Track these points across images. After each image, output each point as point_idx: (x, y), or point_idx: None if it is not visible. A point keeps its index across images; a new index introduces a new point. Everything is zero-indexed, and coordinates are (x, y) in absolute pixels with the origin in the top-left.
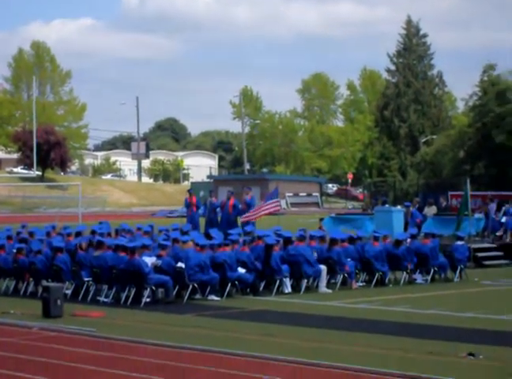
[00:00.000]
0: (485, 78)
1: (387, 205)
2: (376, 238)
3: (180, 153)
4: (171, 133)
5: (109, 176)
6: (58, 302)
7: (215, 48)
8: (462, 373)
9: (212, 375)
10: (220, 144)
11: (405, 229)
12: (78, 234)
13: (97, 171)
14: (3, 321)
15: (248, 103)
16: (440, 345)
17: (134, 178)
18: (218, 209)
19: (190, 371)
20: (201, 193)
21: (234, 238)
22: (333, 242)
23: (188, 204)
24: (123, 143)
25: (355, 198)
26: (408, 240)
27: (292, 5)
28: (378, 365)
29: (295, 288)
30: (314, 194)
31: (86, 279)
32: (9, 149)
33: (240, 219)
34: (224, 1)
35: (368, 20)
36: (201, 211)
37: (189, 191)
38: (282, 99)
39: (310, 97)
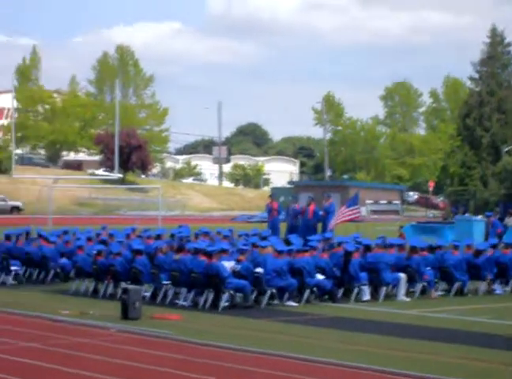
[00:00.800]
0: None
1: (467, 214)
2: (456, 247)
3: (261, 158)
4: (252, 138)
5: (190, 180)
6: (137, 304)
7: (297, 54)
8: None
9: None
10: (301, 150)
11: (486, 239)
12: (158, 237)
13: (178, 175)
14: (82, 322)
15: (330, 109)
16: None
17: (215, 183)
18: (299, 215)
19: (265, 376)
20: (281, 199)
21: (313, 244)
22: (413, 250)
23: (269, 210)
24: (205, 147)
25: (435, 207)
26: (489, 250)
27: (374, 12)
28: (457, 374)
29: (374, 296)
30: (394, 202)
31: (165, 282)
32: (91, 151)
33: (329, 228)
34: (307, 7)
35: (452, 27)
36: (282, 216)
37: (270, 196)
38: (364, 106)
39: (393, 104)
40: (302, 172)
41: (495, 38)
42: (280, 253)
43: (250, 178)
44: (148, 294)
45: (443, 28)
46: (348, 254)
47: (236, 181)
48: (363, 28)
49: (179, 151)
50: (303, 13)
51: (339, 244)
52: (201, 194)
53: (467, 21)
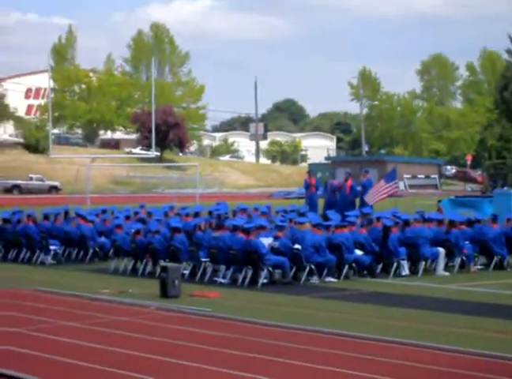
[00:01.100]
0: None
1: (506, 188)
2: (495, 221)
3: (298, 134)
4: (288, 115)
5: (227, 157)
6: (176, 282)
7: (330, 30)
8: None
9: (329, 357)
10: (337, 126)
11: None
12: (196, 214)
13: (215, 152)
14: (121, 300)
15: (366, 84)
16: None
17: (252, 159)
18: (336, 191)
19: (308, 352)
20: (319, 175)
21: (351, 219)
22: (452, 224)
23: (307, 185)
24: (241, 124)
25: (474, 180)
26: None
27: None
28: (496, 349)
29: (413, 271)
30: (432, 176)
31: (204, 259)
32: (128, 130)
33: (368, 202)
34: None
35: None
36: (320, 192)
37: (308, 172)
38: (400, 80)
39: (429, 78)
40: (339, 148)
41: None
42: (318, 228)
43: (287, 155)
44: (186, 272)
45: (480, 0)
46: (386, 229)
47: (273, 158)
48: (396, 1)
49: (216, 129)
50: None
51: (378, 219)
52: (239, 171)
53: None
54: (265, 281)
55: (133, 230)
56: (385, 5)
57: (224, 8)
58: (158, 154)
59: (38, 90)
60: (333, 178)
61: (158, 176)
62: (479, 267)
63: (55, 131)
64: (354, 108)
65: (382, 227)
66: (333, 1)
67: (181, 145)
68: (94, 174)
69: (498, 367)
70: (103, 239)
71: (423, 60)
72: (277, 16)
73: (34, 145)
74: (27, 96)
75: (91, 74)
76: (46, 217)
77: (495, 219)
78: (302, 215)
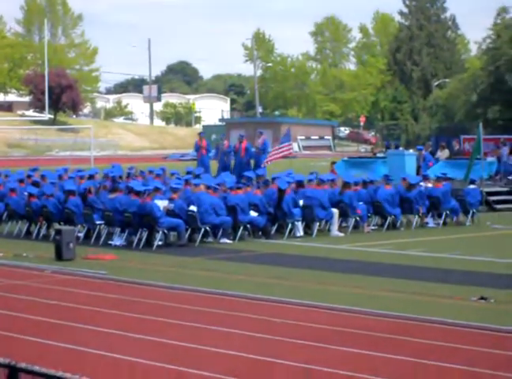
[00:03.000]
0: (499, 21)
1: (400, 149)
2: (388, 181)
3: (192, 96)
4: (183, 77)
5: (121, 119)
6: (71, 245)
7: None
8: (474, 317)
9: (223, 317)
10: (232, 88)
11: (418, 173)
12: (91, 177)
13: (109, 114)
14: (16, 264)
15: (260, 46)
16: (452, 289)
17: (146, 122)
18: (231, 153)
19: (201, 313)
20: (213, 137)
21: (246, 181)
22: (346, 185)
23: (198, 148)
24: (135, 86)
25: (367, 141)
26: (422, 183)
27: None
28: (388, 308)
29: (308, 232)
30: (326, 137)
31: (98, 222)
32: (20, 92)
33: (262, 165)
34: None
35: None
36: (211, 154)
37: (200, 134)
38: (294, 42)
39: (323, 40)
40: (233, 109)
41: None
42: (213, 190)
43: (181, 117)
44: (81, 235)
45: None
46: (281, 191)
47: (167, 120)
48: None
49: (110, 91)
50: None
51: (273, 180)
52: (133, 133)
53: None
54: (160, 243)
55: (26, 194)
56: None
57: None
58: (51, 116)
59: None
60: (224, 141)
61: (52, 139)
62: (372, 227)
63: None
64: (248, 70)
65: (277, 188)
66: None
67: (74, 107)
68: None
69: (390, 326)
70: None
71: (317, 22)
72: None
73: None
74: None
75: None
76: None
77: (387, 179)
78: (197, 177)
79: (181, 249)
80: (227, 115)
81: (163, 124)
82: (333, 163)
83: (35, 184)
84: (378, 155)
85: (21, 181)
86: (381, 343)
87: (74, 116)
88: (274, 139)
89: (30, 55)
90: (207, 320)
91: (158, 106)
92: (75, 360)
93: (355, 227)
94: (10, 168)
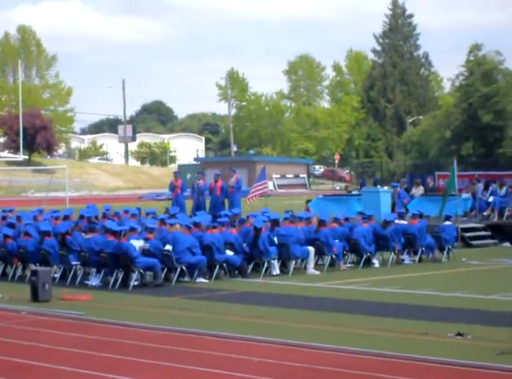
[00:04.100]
0: (471, 58)
1: (378, 186)
2: (364, 219)
3: (167, 136)
4: (157, 116)
5: (96, 159)
6: (47, 286)
7: (202, 31)
8: (451, 353)
9: (199, 357)
10: (206, 127)
11: (393, 210)
12: (66, 217)
13: (84, 155)
14: None
15: (234, 85)
16: (428, 325)
17: (121, 162)
18: (206, 192)
19: (177, 353)
20: (189, 176)
21: (222, 220)
22: (321, 223)
23: (173, 187)
24: (110, 126)
25: (342, 179)
26: (396, 221)
27: None
28: (367, 345)
29: (284, 270)
30: (301, 176)
31: (74, 262)
32: None
33: (247, 202)
34: None
35: (354, 1)
36: (187, 193)
37: (175, 174)
38: (268, 80)
39: (297, 78)
40: (208, 148)
41: (396, 10)
42: (188, 230)
43: (156, 156)
44: (57, 276)
45: (345, 1)
46: (256, 230)
47: (142, 160)
48: (268, 2)
49: (84, 131)
50: None
51: (248, 219)
52: (108, 173)
53: None
54: (136, 283)
55: (1, 235)
56: (256, 6)
57: (92, 10)
58: (26, 157)
59: None
60: (201, 180)
61: (26, 179)
62: (348, 265)
63: None
64: (222, 109)
65: (253, 227)
66: (202, 2)
67: (49, 148)
68: None
69: (369, 363)
70: None
71: (290, 60)
72: (146, 17)
73: None
74: None
75: None
76: None
77: (364, 217)
78: (172, 216)
79: (157, 289)
80: (202, 154)
81: (138, 164)
82: (308, 201)
83: (11, 225)
84: (353, 192)
85: None
86: None
87: (49, 157)
88: (250, 178)
89: (4, 96)
90: (183, 360)
91: (133, 146)
92: None
93: (331, 264)
94: None
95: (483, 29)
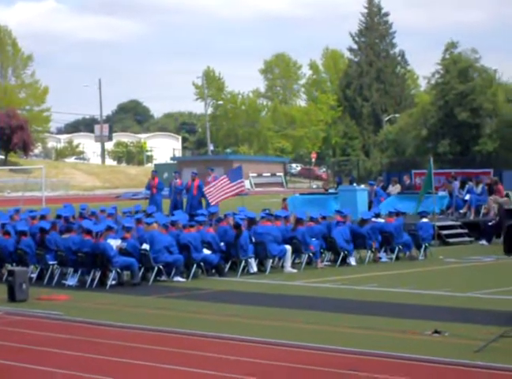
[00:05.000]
0: (447, 56)
1: (355, 184)
2: (341, 218)
3: (143, 135)
4: (133, 116)
5: (72, 159)
6: (23, 285)
7: (177, 30)
8: (428, 351)
9: (177, 356)
10: (183, 126)
11: (369, 208)
12: (42, 217)
13: (60, 154)
14: None
15: (211, 84)
16: (406, 323)
17: (98, 161)
18: (183, 191)
19: (155, 352)
20: (165, 175)
21: (199, 219)
22: (299, 221)
23: (149, 186)
24: (86, 126)
25: (318, 178)
26: (373, 219)
27: None
28: (344, 344)
29: (261, 269)
30: (277, 174)
31: (51, 262)
32: None
33: (211, 203)
34: None
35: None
36: (165, 192)
37: (153, 172)
38: (245, 79)
39: (273, 77)
40: (184, 147)
41: (372, 8)
42: (165, 228)
43: (132, 156)
44: (34, 276)
45: (321, 0)
46: (238, 227)
47: (119, 159)
48: (243, 1)
49: (61, 131)
50: None
51: (225, 218)
52: (84, 173)
53: None
54: (113, 282)
55: None
56: (231, 4)
57: (67, 10)
58: (2, 157)
59: None
60: (177, 179)
61: (3, 179)
62: (326, 263)
63: None
64: (199, 108)
65: (234, 224)
66: (177, 1)
67: (25, 148)
68: None
69: (346, 361)
70: None
71: (266, 59)
72: (121, 17)
73: None
74: None
75: None
76: None
77: (341, 215)
78: (149, 215)
79: (134, 288)
80: (178, 154)
81: (114, 163)
82: (285, 199)
83: None
84: (330, 190)
85: None
86: None
87: (25, 157)
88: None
89: None
90: (161, 359)
91: (109, 146)
92: None
93: (309, 263)
94: None
95: (459, 27)
